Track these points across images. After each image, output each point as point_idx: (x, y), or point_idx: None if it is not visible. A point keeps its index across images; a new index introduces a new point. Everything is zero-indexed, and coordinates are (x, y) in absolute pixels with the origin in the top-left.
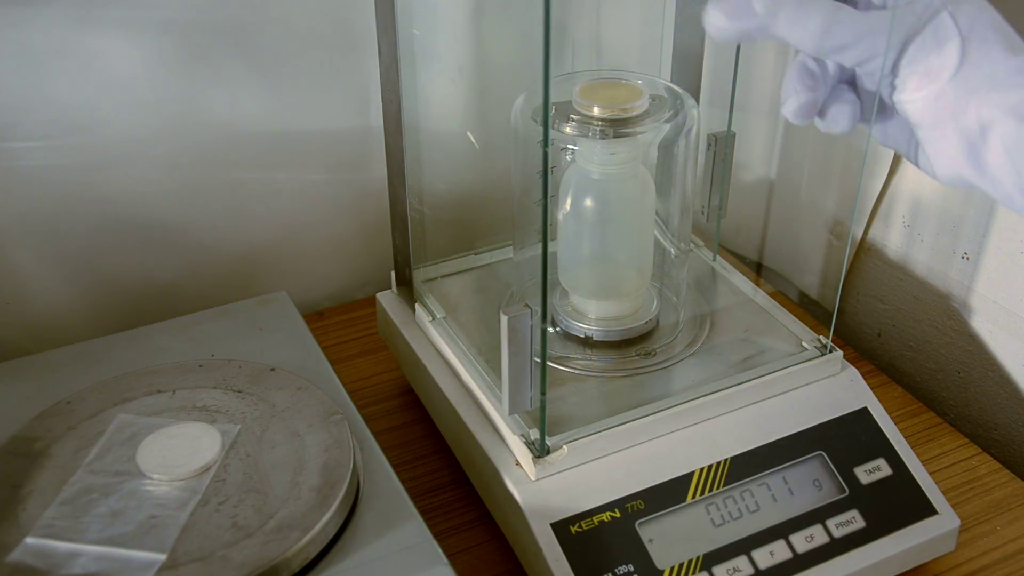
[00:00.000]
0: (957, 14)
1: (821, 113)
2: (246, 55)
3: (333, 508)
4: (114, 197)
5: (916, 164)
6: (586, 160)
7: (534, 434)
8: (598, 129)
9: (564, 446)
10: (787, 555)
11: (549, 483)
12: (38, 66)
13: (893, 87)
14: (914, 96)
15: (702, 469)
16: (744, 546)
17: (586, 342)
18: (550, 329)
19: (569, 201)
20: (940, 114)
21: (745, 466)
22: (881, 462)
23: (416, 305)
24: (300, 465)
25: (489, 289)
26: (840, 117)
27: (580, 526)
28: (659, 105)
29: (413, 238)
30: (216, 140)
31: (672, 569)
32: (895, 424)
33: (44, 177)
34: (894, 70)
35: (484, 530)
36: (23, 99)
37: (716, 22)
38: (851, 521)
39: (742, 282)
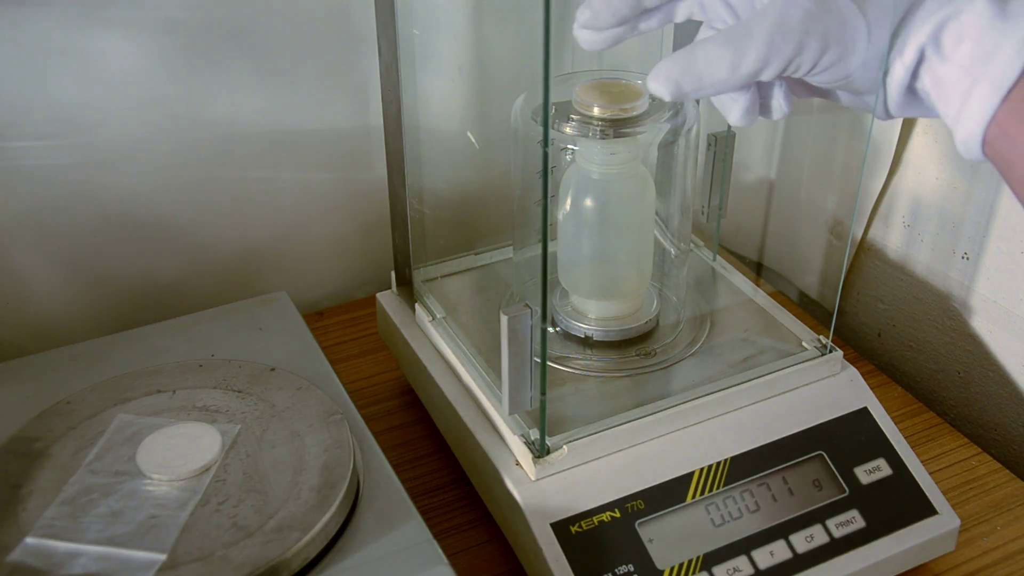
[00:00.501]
0: None
1: (761, 108)
2: (246, 55)
3: (333, 508)
4: (114, 196)
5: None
6: (586, 160)
7: (534, 434)
8: (598, 129)
9: (564, 446)
10: (787, 555)
11: (549, 483)
12: (39, 65)
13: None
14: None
15: (702, 469)
16: (744, 546)
17: (586, 342)
18: (550, 329)
19: (569, 201)
20: (876, 75)
21: (745, 466)
22: (881, 462)
23: (416, 305)
24: (300, 465)
25: (489, 289)
26: (779, 103)
27: (580, 526)
28: (659, 105)
29: (413, 238)
30: (216, 140)
31: (672, 569)
32: (895, 424)
33: (44, 176)
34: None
35: (484, 530)
36: (24, 98)
37: (585, 37)
38: (851, 521)
39: (742, 282)
